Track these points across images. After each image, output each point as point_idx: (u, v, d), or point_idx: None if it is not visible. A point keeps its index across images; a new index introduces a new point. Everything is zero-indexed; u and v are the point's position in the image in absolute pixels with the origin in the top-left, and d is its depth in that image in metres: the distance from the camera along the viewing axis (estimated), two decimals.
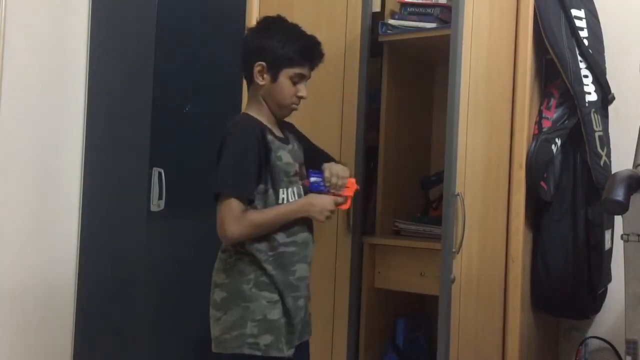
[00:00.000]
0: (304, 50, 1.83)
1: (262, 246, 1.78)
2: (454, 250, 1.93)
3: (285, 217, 1.79)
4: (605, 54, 2.40)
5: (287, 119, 1.96)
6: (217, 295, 1.81)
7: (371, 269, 2.26)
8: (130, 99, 2.89)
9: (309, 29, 2.34)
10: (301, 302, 1.85)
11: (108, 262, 2.91)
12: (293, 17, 2.37)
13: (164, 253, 2.84)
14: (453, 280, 1.92)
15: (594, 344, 2.46)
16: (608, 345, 2.43)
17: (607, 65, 2.39)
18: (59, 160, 2.96)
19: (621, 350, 2.34)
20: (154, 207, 2.78)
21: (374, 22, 2.29)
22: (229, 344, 1.76)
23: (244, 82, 2.50)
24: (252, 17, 2.47)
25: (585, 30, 2.34)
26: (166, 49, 2.80)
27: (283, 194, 1.81)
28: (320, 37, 2.32)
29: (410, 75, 2.47)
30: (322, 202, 1.84)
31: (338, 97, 2.26)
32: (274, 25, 1.87)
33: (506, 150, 2.24)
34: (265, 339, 1.74)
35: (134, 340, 2.80)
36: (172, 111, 2.85)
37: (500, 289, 2.22)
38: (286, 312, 1.79)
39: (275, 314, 1.76)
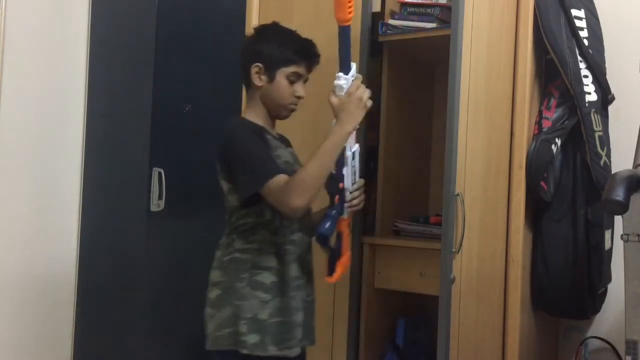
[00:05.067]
0: (300, 49, 1.86)
1: (259, 244, 1.79)
2: (454, 250, 1.93)
3: (328, 149, 1.70)
4: (605, 54, 2.40)
5: (286, 134, 1.97)
6: (213, 293, 1.83)
7: (371, 269, 2.26)
8: (130, 99, 2.89)
9: (309, 29, 2.34)
10: (296, 304, 1.82)
11: (108, 261, 2.92)
12: (293, 17, 2.38)
13: (164, 253, 2.84)
14: (453, 280, 1.92)
15: (594, 344, 2.46)
16: (608, 345, 2.43)
17: (607, 65, 2.39)
18: (59, 160, 2.96)
19: (621, 350, 2.34)
20: (154, 207, 2.78)
21: (374, 22, 2.28)
22: (222, 340, 1.78)
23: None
24: (252, 17, 2.47)
25: (585, 30, 2.34)
26: (166, 49, 2.80)
27: None
28: (320, 37, 2.33)
29: (410, 75, 2.47)
30: (348, 103, 1.73)
31: None
32: (269, 29, 1.92)
33: (506, 150, 2.24)
34: (252, 338, 1.75)
35: (133, 340, 2.80)
36: (172, 111, 2.85)
37: (500, 289, 2.22)
38: (277, 311, 1.78)
39: (266, 314, 1.76)
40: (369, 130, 2.28)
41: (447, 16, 2.10)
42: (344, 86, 1.73)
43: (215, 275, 1.85)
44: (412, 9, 2.23)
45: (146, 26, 2.80)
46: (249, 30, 2.48)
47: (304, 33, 2.35)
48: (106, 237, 2.94)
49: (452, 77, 1.93)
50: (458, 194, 1.93)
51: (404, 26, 2.22)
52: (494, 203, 2.18)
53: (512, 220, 2.23)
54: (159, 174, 2.79)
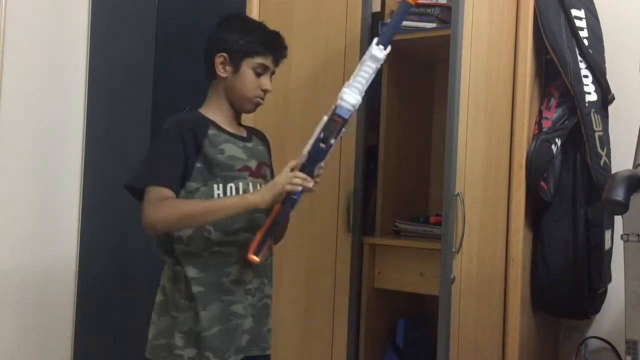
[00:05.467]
0: (266, 40, 1.77)
1: (193, 248, 1.68)
2: (454, 250, 1.93)
3: (224, 207, 1.64)
4: (605, 54, 2.40)
5: (263, 130, 1.92)
6: (158, 298, 1.76)
7: (371, 269, 2.26)
8: (130, 99, 2.89)
9: (309, 29, 2.35)
10: (237, 308, 1.70)
11: (108, 261, 2.91)
12: (293, 17, 2.38)
13: None
14: (453, 280, 1.92)
15: (594, 344, 2.46)
16: (608, 345, 2.43)
17: (607, 65, 2.39)
18: (59, 160, 2.96)
19: (621, 350, 2.34)
20: None
21: (374, 22, 2.29)
22: (158, 351, 1.72)
23: None
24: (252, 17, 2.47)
25: (585, 30, 2.34)
26: (166, 49, 2.80)
27: (218, 189, 1.69)
28: (320, 37, 2.34)
29: (410, 75, 2.47)
30: (275, 181, 1.66)
31: None
32: (234, 19, 1.84)
33: (506, 150, 2.24)
34: (190, 352, 1.67)
35: (133, 340, 2.80)
36: (172, 111, 2.84)
37: (500, 289, 2.22)
38: (217, 320, 1.68)
39: (203, 325, 1.66)
40: (369, 130, 2.28)
41: (447, 16, 2.10)
42: (382, 59, 1.62)
43: (163, 279, 1.77)
44: (412, 9, 2.22)
45: (146, 26, 2.80)
46: None
47: (304, 33, 2.36)
48: (106, 237, 2.94)
49: (452, 77, 1.93)
50: (458, 194, 1.93)
51: (404, 26, 2.22)
52: (494, 203, 2.18)
53: (512, 220, 2.23)
54: None
